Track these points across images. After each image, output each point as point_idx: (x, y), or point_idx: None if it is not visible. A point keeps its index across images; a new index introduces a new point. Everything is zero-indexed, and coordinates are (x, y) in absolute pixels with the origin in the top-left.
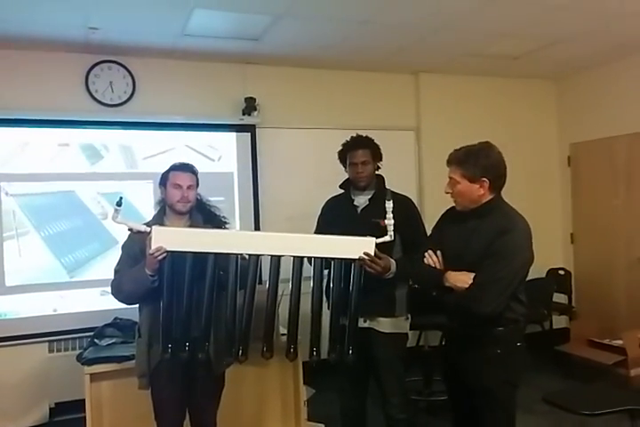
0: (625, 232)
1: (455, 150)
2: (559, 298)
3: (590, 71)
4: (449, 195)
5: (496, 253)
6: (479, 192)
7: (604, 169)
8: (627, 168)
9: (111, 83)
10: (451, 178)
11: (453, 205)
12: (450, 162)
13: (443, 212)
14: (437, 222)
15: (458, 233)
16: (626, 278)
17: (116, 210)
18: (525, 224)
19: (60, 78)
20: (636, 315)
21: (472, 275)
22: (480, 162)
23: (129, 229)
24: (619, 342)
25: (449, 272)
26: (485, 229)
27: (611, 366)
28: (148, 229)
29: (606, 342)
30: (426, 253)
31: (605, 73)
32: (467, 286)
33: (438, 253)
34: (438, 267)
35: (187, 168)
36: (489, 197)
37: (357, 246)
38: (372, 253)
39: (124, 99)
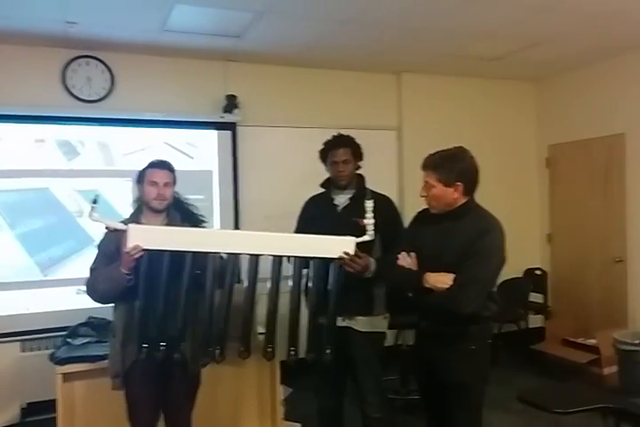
0: (601, 233)
1: (430, 155)
2: (535, 297)
3: (570, 73)
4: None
5: (476, 253)
6: (453, 196)
7: (581, 170)
8: (604, 170)
9: (89, 78)
10: (426, 182)
11: (425, 207)
12: (425, 166)
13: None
14: (410, 224)
15: (434, 234)
16: (601, 279)
17: (92, 207)
18: (501, 226)
19: (36, 73)
20: (610, 315)
21: (452, 276)
22: (455, 166)
23: (105, 228)
24: (592, 342)
25: (428, 273)
26: (464, 230)
27: (584, 364)
28: (125, 227)
29: (580, 341)
30: (399, 255)
31: (585, 75)
32: (447, 286)
33: (412, 254)
34: (413, 268)
35: (163, 165)
36: (463, 200)
37: (337, 246)
38: (352, 253)
39: (102, 95)
